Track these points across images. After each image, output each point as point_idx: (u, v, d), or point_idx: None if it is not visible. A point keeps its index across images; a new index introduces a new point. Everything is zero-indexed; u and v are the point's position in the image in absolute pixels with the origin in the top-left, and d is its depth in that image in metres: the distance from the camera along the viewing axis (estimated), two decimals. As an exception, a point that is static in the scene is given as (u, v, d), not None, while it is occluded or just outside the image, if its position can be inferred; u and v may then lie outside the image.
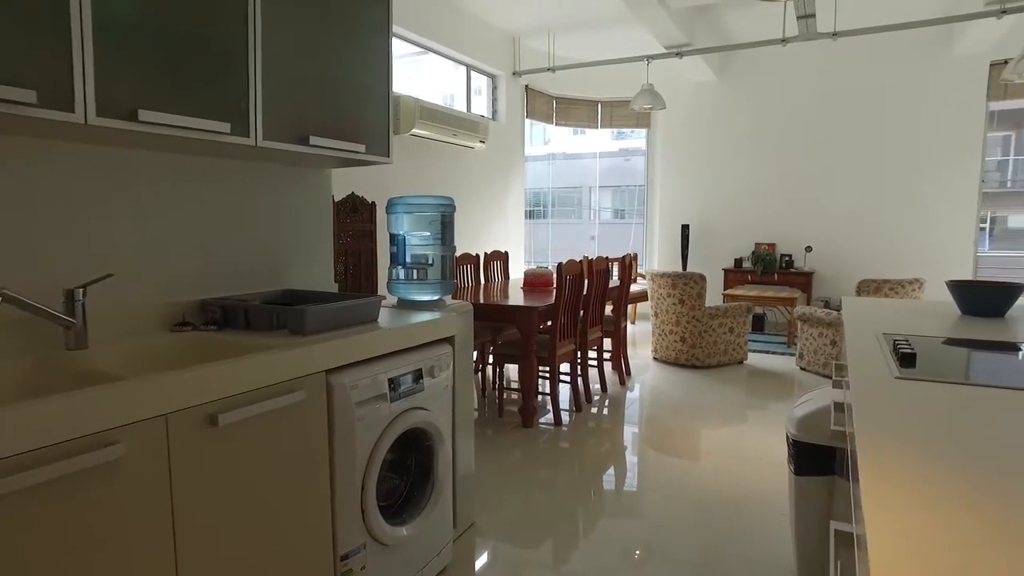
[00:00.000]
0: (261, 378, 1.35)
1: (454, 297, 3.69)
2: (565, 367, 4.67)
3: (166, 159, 1.72)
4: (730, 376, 4.83)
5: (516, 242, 7.09)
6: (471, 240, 6.15)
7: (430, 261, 2.17)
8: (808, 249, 6.66)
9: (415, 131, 5.13)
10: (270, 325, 1.67)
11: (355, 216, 3.47)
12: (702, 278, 4.93)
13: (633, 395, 4.35)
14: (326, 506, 1.56)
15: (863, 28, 5.28)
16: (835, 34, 5.23)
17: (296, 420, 1.45)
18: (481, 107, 6.72)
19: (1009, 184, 8.36)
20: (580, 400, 3.98)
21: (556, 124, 7.68)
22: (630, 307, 7.39)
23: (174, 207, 1.75)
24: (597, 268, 4.11)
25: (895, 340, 1.46)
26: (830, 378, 4.68)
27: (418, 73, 6.16)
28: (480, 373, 4.57)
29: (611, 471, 3.05)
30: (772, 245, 6.99)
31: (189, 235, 1.79)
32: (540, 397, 4.21)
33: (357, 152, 1.95)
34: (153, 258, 1.70)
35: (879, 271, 6.58)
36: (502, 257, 5.32)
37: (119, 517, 1.11)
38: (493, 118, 6.81)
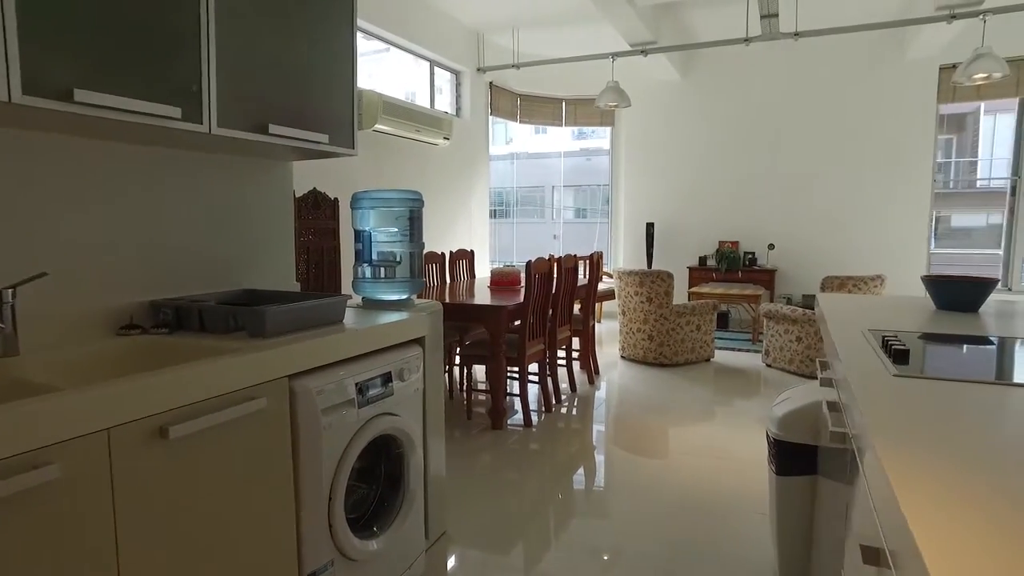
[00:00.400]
0: (217, 385, 1.23)
1: (420, 297, 3.59)
2: (533, 367, 4.60)
3: (111, 148, 1.57)
4: (698, 374, 4.83)
5: (481, 241, 7.00)
6: (436, 239, 6.04)
7: (398, 259, 2.07)
8: (771, 247, 6.75)
9: (378, 127, 4.99)
10: (227, 327, 1.54)
11: (317, 213, 3.33)
12: (669, 276, 4.93)
13: (602, 394, 4.31)
14: (290, 522, 1.45)
15: (823, 29, 5.36)
16: (797, 34, 5.29)
17: (257, 430, 1.33)
18: (445, 105, 6.61)
19: (952, 185, 8.66)
20: (549, 400, 3.92)
21: (520, 122, 7.62)
22: (596, 306, 7.37)
23: (121, 200, 1.60)
24: (566, 266, 4.05)
25: (884, 336, 1.42)
26: (797, 375, 4.73)
27: (379, 72, 6.01)
28: (447, 374, 4.46)
29: (582, 472, 2.99)
30: (735, 243, 7.06)
31: (138, 231, 1.65)
32: (508, 398, 4.13)
33: (320, 143, 1.84)
34: (96, 255, 1.56)
35: (839, 268, 6.70)
36: (467, 256, 5.22)
37: (53, 547, 0.98)
38: (457, 115, 6.70)
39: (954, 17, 5.14)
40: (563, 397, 4.22)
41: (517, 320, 3.62)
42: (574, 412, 3.94)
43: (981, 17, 5.11)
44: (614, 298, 6.63)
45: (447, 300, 3.69)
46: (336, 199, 3.63)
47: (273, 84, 1.67)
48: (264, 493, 1.37)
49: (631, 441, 3.38)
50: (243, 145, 1.73)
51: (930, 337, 1.49)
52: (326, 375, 1.52)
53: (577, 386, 4.46)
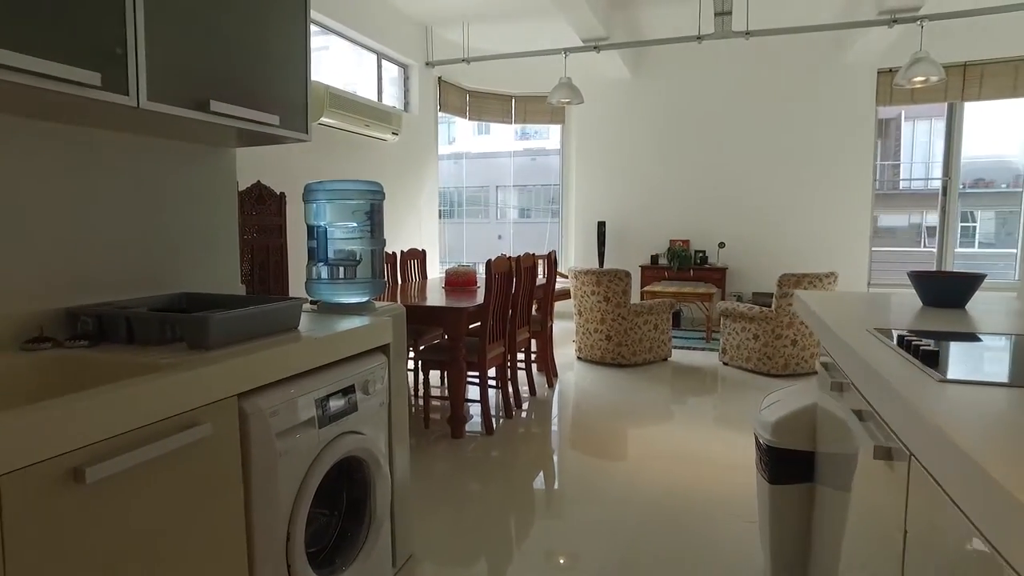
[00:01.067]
0: (150, 410, 1.01)
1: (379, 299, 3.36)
2: (492, 370, 4.43)
3: (16, 124, 1.31)
4: (657, 374, 4.77)
5: (430, 241, 6.78)
6: (386, 238, 5.78)
7: (357, 257, 1.86)
8: (721, 245, 6.80)
9: (324, 119, 4.72)
10: (162, 338, 1.31)
11: (262, 208, 3.06)
12: (627, 275, 4.85)
13: (563, 398, 4.18)
14: (242, 566, 1.23)
15: (774, 29, 5.41)
16: (748, 33, 5.31)
17: (199, 463, 1.12)
18: (393, 101, 6.35)
19: (876, 185, 9.02)
20: (510, 406, 3.75)
21: (470, 118, 7.43)
22: (548, 306, 7.25)
23: (30, 188, 1.35)
24: (525, 265, 3.90)
25: (902, 336, 1.32)
26: (756, 373, 4.72)
27: (322, 68, 5.71)
28: (400, 380, 4.24)
29: (548, 482, 2.84)
30: (687, 241, 7.08)
31: (51, 224, 1.40)
32: (467, 404, 3.94)
33: (270, 125, 1.62)
34: (-5, 254, 1.30)
35: (787, 267, 6.81)
36: (419, 256, 5.01)
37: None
38: (406, 110, 6.46)
39: (895, 21, 5.27)
40: (523, 401, 4.07)
41: (476, 322, 3.44)
42: (535, 417, 3.79)
43: (919, 23, 5.26)
44: (568, 298, 6.54)
45: (400, 302, 3.48)
46: (283, 194, 3.36)
47: (215, 53, 1.44)
48: (209, 538, 1.15)
49: (598, 447, 3.25)
50: (180, 126, 1.49)
51: (941, 336, 1.40)
52: (281, 392, 1.31)
53: (536, 389, 4.31)
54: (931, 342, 1.27)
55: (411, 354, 4.17)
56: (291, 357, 1.35)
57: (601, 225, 7.21)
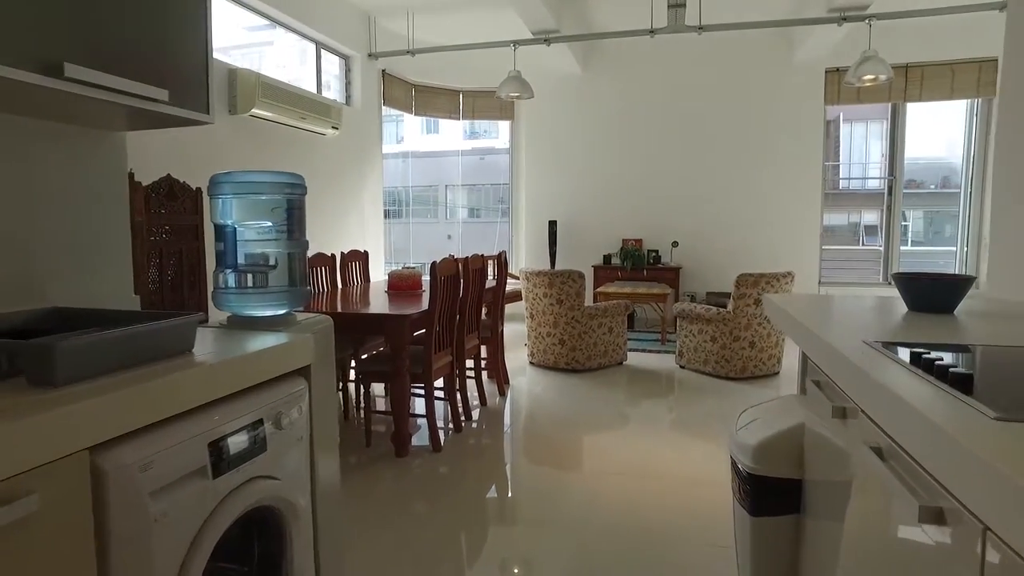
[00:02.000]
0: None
1: (308, 309, 3.04)
2: (440, 381, 4.16)
3: None
4: (613, 379, 4.59)
5: (375, 241, 6.44)
6: (325, 239, 5.43)
7: (272, 262, 1.57)
8: (674, 244, 6.70)
9: (256, 111, 4.35)
10: (-5, 371, 1.00)
11: (173, 205, 2.71)
12: (580, 276, 4.65)
13: (515, 407, 3.94)
14: (101, 668, 0.94)
15: (727, 24, 5.31)
16: (701, 28, 5.20)
17: (24, 547, 0.82)
18: (334, 94, 5.99)
19: (825, 185, 9.19)
20: (459, 418, 3.49)
21: (415, 113, 7.13)
22: (500, 308, 7.01)
23: None
24: (473, 267, 3.64)
25: (916, 353, 1.13)
26: (713, 376, 4.59)
27: (264, 62, 5.33)
28: (341, 392, 3.92)
29: (498, 499, 2.60)
30: (639, 241, 6.96)
31: None
32: (413, 419, 3.66)
33: (155, 100, 1.32)
34: None
35: (741, 266, 6.76)
36: (361, 258, 4.69)
37: None
38: (347, 103, 6.11)
39: (844, 19, 5.24)
40: (473, 412, 3.81)
41: (421, 330, 3.17)
42: (486, 428, 3.55)
43: (867, 21, 5.26)
44: (520, 300, 6.31)
45: (339, 309, 3.18)
46: (199, 189, 3.01)
47: (76, 3, 1.13)
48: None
49: (553, 462, 3.02)
50: (30, 97, 1.18)
51: (954, 350, 1.22)
52: (159, 437, 1.02)
53: (487, 399, 4.06)
54: (951, 359, 1.08)
55: (352, 364, 3.87)
56: (177, 390, 1.07)
57: (552, 224, 7.02)
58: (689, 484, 2.75)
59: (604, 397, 4.13)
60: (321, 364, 1.57)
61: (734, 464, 1.65)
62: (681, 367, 4.90)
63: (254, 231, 1.58)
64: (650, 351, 5.57)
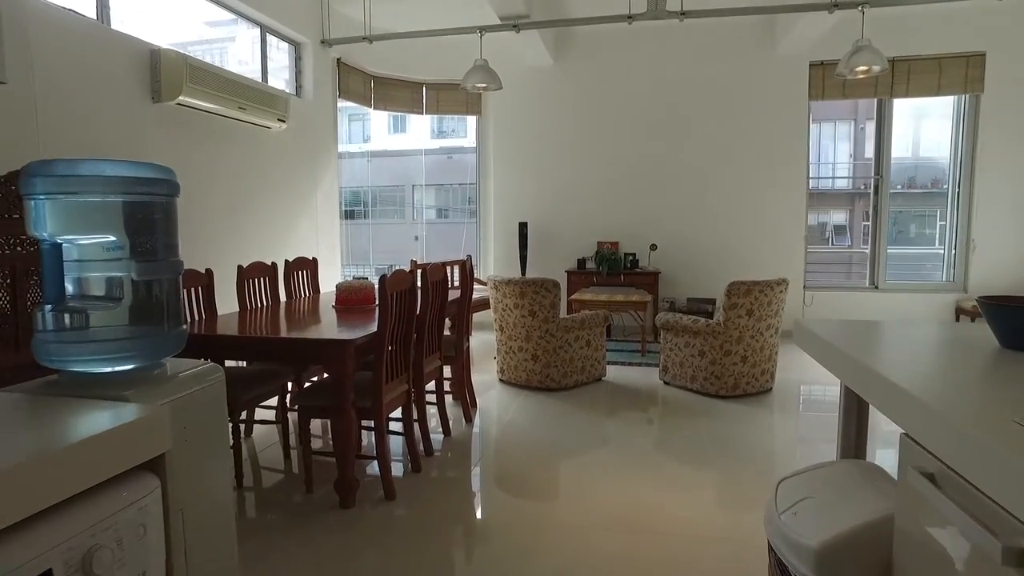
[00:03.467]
0: None
1: (200, 350, 2.52)
2: (397, 410, 3.65)
3: None
4: (592, 399, 4.14)
5: (330, 246, 5.90)
6: (270, 246, 4.87)
7: (116, 293, 1.07)
8: (653, 247, 6.30)
9: (184, 99, 3.79)
10: None
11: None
12: (555, 285, 4.19)
13: (484, 436, 3.47)
14: None
15: (710, 9, 4.92)
16: (683, 14, 4.79)
17: None
18: (285, 85, 5.43)
19: (809, 184, 8.99)
20: (417, 456, 3.00)
21: (375, 107, 6.59)
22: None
23: None
24: (433, 279, 3.16)
25: None
26: (701, 394, 4.17)
27: (227, 58, 4.76)
28: (279, 425, 3.39)
29: (463, 560, 2.12)
30: (615, 244, 6.54)
31: None
32: (362, 461, 3.15)
33: None
34: None
35: (723, 269, 6.40)
36: (309, 266, 4.16)
37: None
38: (298, 95, 5.56)
39: (836, 6, 4.89)
40: (434, 444, 3.32)
41: (371, 355, 2.67)
42: (449, 466, 3.06)
43: (860, 8, 4.91)
44: (488, 308, 5.84)
45: (267, 331, 2.66)
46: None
47: None
48: None
49: (528, 513, 2.55)
50: None
51: None
52: None
53: (451, 427, 3.57)
54: None
55: (293, 391, 3.35)
56: None
57: (523, 226, 6.55)
58: (690, 541, 2.31)
59: (584, 422, 3.69)
60: (195, 446, 1.07)
61: (779, 562, 1.20)
62: (665, 383, 4.48)
63: (91, 248, 1.07)
64: (630, 364, 5.14)
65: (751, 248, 6.35)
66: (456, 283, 4.88)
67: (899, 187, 8.78)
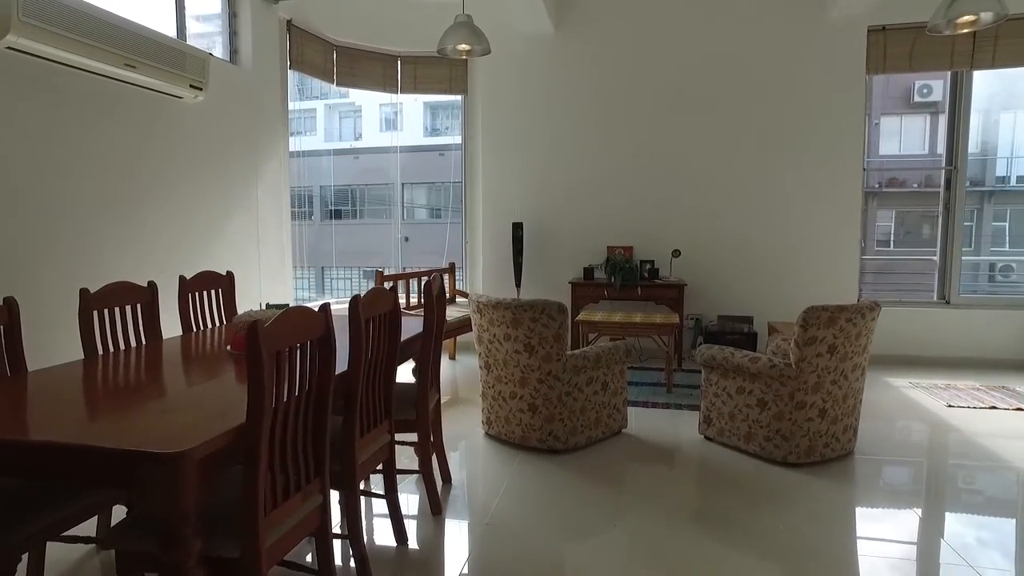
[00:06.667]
0: None
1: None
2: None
3: None
4: (610, 464, 3.00)
5: (278, 255, 4.74)
6: (178, 254, 3.71)
7: None
8: (675, 254, 5.15)
9: (15, 40, 2.62)
10: None
11: None
12: (561, 311, 3.05)
13: (459, 537, 2.31)
14: None
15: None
16: (728, -52, 3.65)
17: None
18: (220, 52, 4.27)
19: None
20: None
21: (338, 83, 5.44)
22: (448, 341, 5.39)
23: None
24: (373, 312, 2.01)
25: None
26: (760, 459, 3.01)
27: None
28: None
29: None
30: (629, 249, 5.40)
31: None
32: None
33: None
34: None
35: (760, 281, 5.26)
36: (221, 283, 3.00)
37: None
38: (232, 61, 4.40)
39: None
40: (383, 557, 2.16)
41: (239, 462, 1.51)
42: (399, 616, 1.91)
43: (952, -55, 3.76)
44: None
45: (15, 431, 1.48)
46: None
47: None
48: None
49: None
50: None
51: None
52: None
53: (409, 533, 2.42)
54: None
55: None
56: None
57: (517, 228, 5.41)
58: None
59: (599, 505, 2.54)
60: None
61: None
62: (708, 439, 3.34)
63: None
64: (654, 404, 4.00)
65: (794, 255, 5.21)
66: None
67: (915, 186, 7.70)
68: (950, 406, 3.91)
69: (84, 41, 2.82)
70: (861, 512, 2.52)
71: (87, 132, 3.08)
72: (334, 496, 2.33)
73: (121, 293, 2.41)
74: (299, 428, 1.59)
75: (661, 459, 3.10)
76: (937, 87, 8.96)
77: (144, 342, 2.47)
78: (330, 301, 3.87)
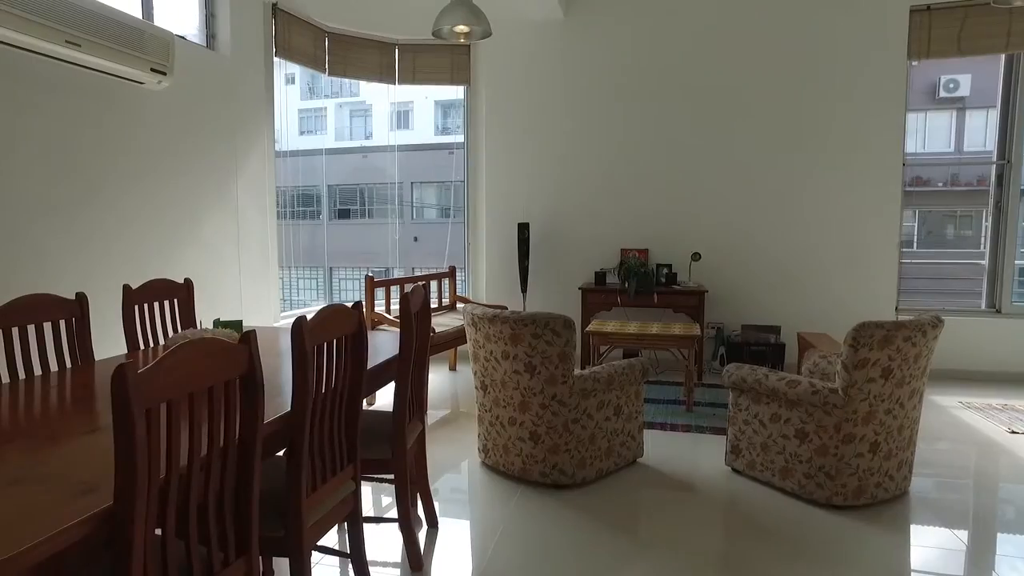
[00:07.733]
0: None
1: None
2: None
3: None
4: (621, 503, 2.57)
5: (258, 253, 4.36)
6: (138, 259, 3.33)
7: None
8: (695, 257, 4.71)
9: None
10: None
11: None
12: (567, 326, 2.63)
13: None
14: None
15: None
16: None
17: None
18: (195, 35, 3.89)
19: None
20: None
21: (330, 72, 5.05)
22: (449, 351, 4.98)
23: None
24: (322, 339, 1.60)
25: None
26: (798, 498, 2.57)
27: None
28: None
29: None
30: (644, 252, 4.97)
31: None
32: None
33: None
34: None
35: (789, 287, 4.81)
36: (178, 292, 2.62)
37: None
38: (210, 46, 4.02)
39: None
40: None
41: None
42: None
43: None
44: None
45: None
46: None
47: None
48: None
49: None
50: None
51: None
52: None
53: (384, 588, 2.01)
54: None
55: None
56: None
57: (523, 229, 4.99)
58: None
59: (609, 554, 2.13)
60: None
61: None
62: (736, 471, 2.91)
63: None
64: (672, 427, 3.57)
65: (826, 259, 4.76)
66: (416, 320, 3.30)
67: (940, 184, 7.23)
68: (1013, 432, 3.44)
69: (13, 12, 2.44)
70: (924, 570, 2.08)
71: (20, 120, 2.70)
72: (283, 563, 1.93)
73: (43, 308, 2.02)
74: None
75: (682, 496, 2.67)
76: (964, 81, 8.42)
77: (69, 365, 2.09)
78: (327, 304, 3.46)
